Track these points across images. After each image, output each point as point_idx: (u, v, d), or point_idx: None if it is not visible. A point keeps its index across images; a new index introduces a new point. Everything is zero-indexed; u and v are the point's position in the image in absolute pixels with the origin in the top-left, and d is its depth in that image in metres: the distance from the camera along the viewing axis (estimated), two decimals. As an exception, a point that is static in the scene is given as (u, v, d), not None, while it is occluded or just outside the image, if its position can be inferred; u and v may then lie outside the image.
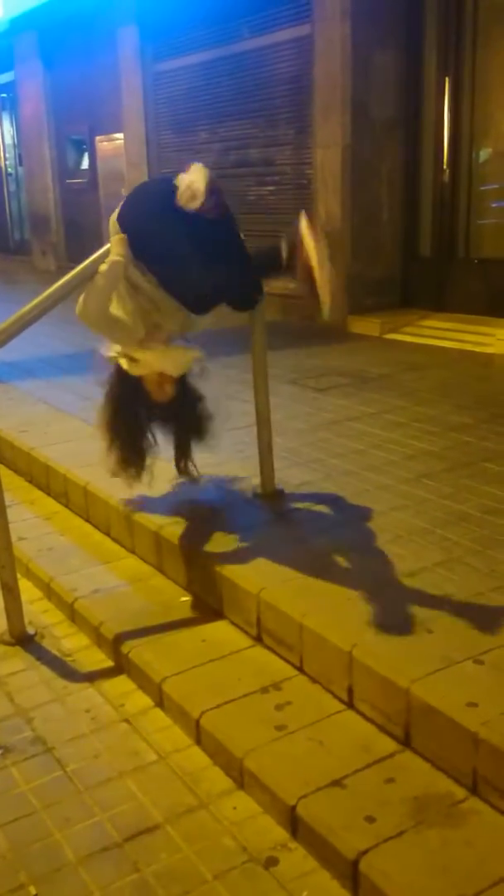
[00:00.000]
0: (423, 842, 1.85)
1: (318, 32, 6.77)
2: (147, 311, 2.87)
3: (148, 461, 3.13)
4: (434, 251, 6.88)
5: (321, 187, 6.98)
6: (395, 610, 2.46)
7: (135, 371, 2.95)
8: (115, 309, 2.87)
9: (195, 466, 3.26)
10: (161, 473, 3.23)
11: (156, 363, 2.93)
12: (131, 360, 2.94)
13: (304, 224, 2.71)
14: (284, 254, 2.78)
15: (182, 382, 3.05)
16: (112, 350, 3.01)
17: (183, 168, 2.70)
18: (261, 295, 3.04)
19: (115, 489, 3.46)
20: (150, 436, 3.11)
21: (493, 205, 6.67)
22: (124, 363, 2.96)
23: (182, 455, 3.22)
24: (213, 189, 2.67)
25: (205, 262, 2.65)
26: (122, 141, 9.89)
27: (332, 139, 6.77)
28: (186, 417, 3.13)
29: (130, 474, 3.13)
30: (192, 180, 2.64)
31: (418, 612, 2.44)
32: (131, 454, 3.09)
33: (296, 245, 2.73)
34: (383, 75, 6.67)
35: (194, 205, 2.62)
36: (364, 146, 6.72)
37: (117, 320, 2.86)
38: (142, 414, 3.06)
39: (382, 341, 6.51)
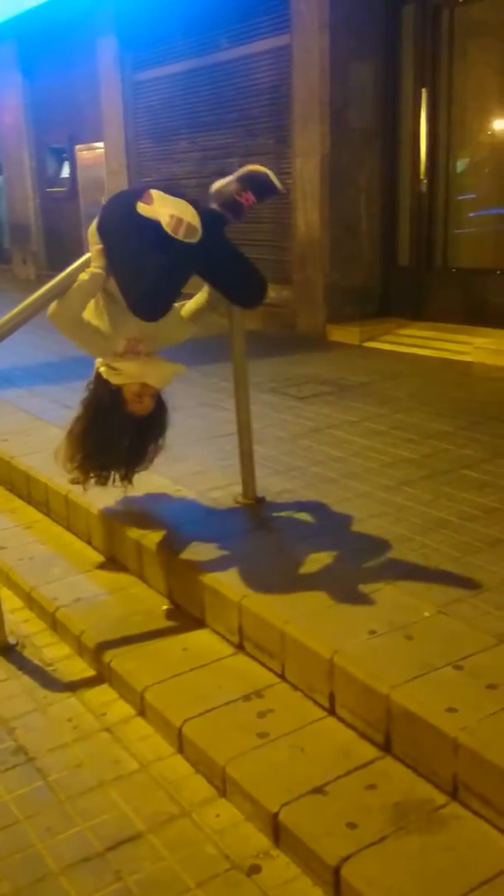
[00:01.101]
0: (404, 847, 1.86)
1: (296, 43, 6.83)
2: (125, 323, 2.86)
3: (114, 471, 3.13)
4: (412, 260, 6.94)
5: (300, 196, 7.03)
6: (375, 616, 2.48)
7: (115, 380, 2.94)
8: (94, 319, 2.88)
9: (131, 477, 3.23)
10: (140, 482, 3.24)
11: (138, 374, 2.92)
12: (112, 369, 2.94)
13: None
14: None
15: (158, 398, 3.05)
16: (96, 359, 3.01)
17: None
18: (264, 293, 3.03)
19: (96, 498, 3.46)
20: (122, 446, 3.07)
21: (471, 214, 6.75)
22: (105, 372, 2.96)
23: (135, 465, 3.18)
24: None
25: (158, 264, 2.60)
26: (102, 150, 9.90)
27: (311, 148, 6.82)
28: (155, 430, 3.12)
29: (91, 480, 3.13)
30: (181, 215, 2.56)
31: (398, 618, 2.46)
32: (100, 462, 3.08)
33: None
34: (361, 86, 6.74)
35: (195, 238, 2.57)
36: (342, 156, 6.78)
37: (95, 330, 2.86)
38: (118, 424, 3.00)
39: (362, 349, 6.56)
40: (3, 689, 2.70)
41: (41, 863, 1.99)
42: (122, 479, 3.20)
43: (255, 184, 2.82)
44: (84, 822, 2.11)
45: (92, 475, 3.12)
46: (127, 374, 2.93)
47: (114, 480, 3.18)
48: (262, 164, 2.89)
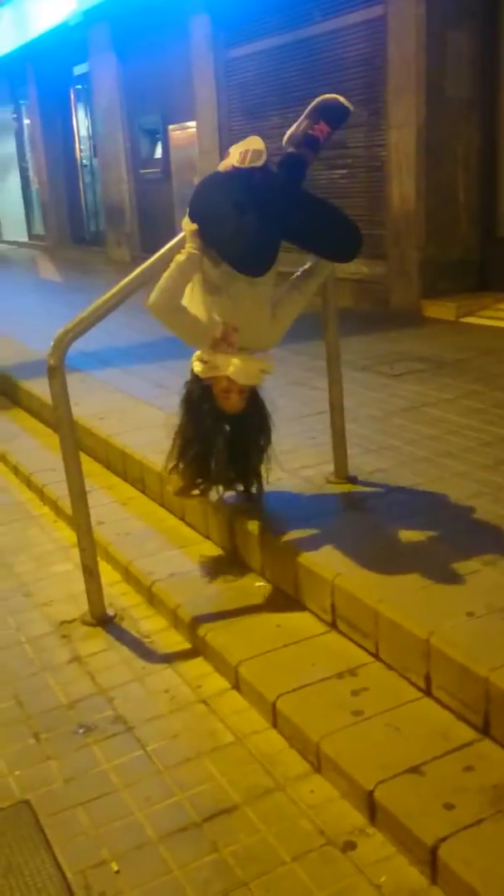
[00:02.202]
0: (503, 830, 1.83)
1: (391, 13, 6.66)
2: (221, 310, 2.80)
3: (213, 476, 2.99)
4: (512, 232, 6.73)
5: (395, 169, 6.88)
6: (473, 598, 2.43)
7: (203, 374, 2.86)
8: (192, 308, 2.82)
9: (260, 487, 3.11)
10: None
11: (223, 367, 2.82)
12: (202, 362, 2.87)
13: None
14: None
15: (254, 399, 2.94)
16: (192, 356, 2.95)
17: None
18: (357, 241, 2.90)
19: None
20: (216, 448, 2.91)
21: None
22: (195, 365, 2.90)
23: (246, 477, 3.08)
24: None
25: (249, 216, 2.57)
26: (195, 129, 9.93)
27: (406, 120, 6.67)
28: (252, 434, 2.98)
29: (192, 487, 3.02)
30: (246, 146, 2.63)
31: (497, 600, 2.41)
32: (195, 463, 2.95)
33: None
34: (458, 55, 6.53)
35: (259, 161, 2.61)
36: (439, 126, 6.60)
37: (194, 318, 2.80)
38: (209, 421, 2.90)
39: (458, 325, 6.40)
40: (103, 659, 2.78)
41: (141, 831, 2.04)
42: (227, 488, 3.11)
43: (326, 113, 2.82)
44: (182, 793, 2.15)
45: (196, 484, 3.01)
46: (213, 365, 2.83)
47: (217, 491, 3.09)
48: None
